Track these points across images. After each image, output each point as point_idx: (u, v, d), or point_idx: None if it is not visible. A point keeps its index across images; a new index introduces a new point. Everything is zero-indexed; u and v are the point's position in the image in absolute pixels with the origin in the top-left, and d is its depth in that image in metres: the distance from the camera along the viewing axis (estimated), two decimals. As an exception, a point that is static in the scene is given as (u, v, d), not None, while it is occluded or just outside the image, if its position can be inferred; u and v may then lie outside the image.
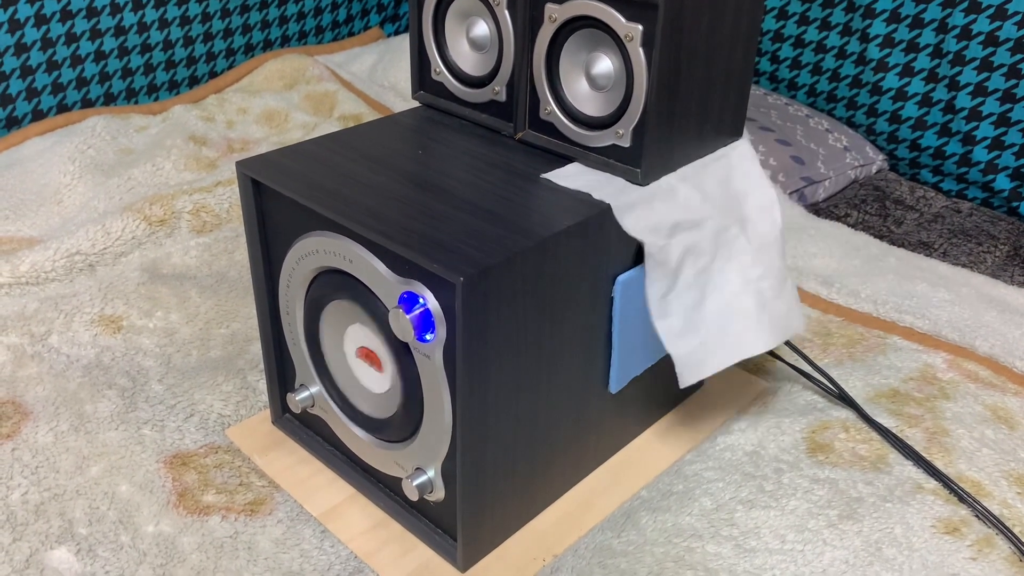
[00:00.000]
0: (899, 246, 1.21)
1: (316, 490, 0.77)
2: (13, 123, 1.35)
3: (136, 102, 1.49)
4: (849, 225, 1.27)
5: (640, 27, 0.64)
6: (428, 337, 0.62)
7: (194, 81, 1.56)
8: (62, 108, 1.40)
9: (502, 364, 0.64)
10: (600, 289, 0.70)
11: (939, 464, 0.80)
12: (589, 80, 0.71)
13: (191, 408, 0.85)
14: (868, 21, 1.41)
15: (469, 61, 0.78)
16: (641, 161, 0.69)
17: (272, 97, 1.46)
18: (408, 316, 0.61)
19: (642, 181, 0.69)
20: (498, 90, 0.76)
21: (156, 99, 1.52)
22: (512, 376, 0.65)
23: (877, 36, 1.40)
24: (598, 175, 0.71)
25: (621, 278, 0.71)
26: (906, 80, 1.40)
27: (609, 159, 0.71)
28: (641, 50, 0.65)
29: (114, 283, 1.01)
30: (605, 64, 0.69)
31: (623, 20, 0.65)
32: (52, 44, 1.35)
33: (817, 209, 1.32)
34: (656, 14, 0.63)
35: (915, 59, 1.38)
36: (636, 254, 0.72)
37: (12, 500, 0.73)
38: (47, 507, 0.73)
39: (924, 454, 0.81)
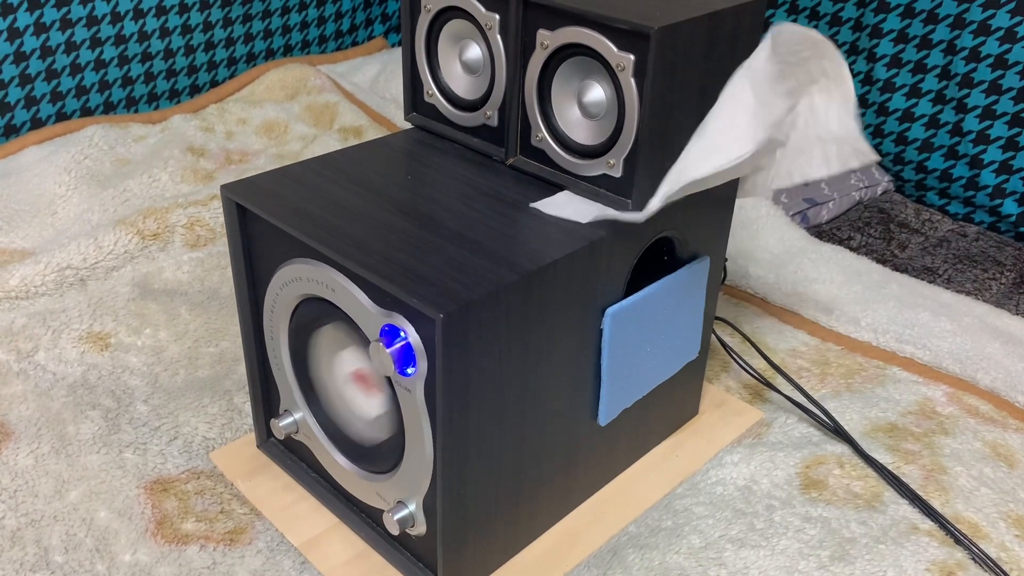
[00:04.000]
0: (902, 271, 1.19)
1: (298, 518, 0.75)
2: (11, 131, 1.35)
3: (136, 111, 1.48)
4: (852, 248, 1.25)
5: (632, 57, 0.63)
6: (409, 371, 0.61)
7: (195, 90, 1.55)
8: (61, 116, 1.39)
9: (485, 399, 0.62)
10: (589, 321, 0.69)
11: (936, 503, 0.78)
12: (581, 108, 0.69)
13: (175, 431, 0.84)
14: (875, 41, 1.39)
15: (462, 84, 0.77)
16: (632, 192, 0.67)
17: (272, 107, 1.45)
18: (388, 350, 0.60)
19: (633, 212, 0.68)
20: (490, 114, 0.75)
21: (156, 108, 1.51)
22: (495, 411, 0.64)
23: (884, 56, 1.39)
24: (589, 204, 0.69)
25: (611, 310, 0.69)
26: (913, 101, 1.38)
27: (600, 188, 0.69)
28: (633, 80, 0.63)
29: (104, 299, 1.00)
30: (597, 92, 0.67)
31: (615, 49, 0.63)
32: (51, 52, 1.34)
33: (820, 231, 1.30)
34: (648, 44, 0.61)
35: (923, 80, 1.36)
36: (627, 286, 0.71)
37: (-12, 525, 0.72)
38: (23, 533, 0.72)
39: (920, 493, 0.79)
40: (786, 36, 0.62)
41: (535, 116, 0.71)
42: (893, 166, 1.43)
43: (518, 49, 0.70)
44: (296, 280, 0.68)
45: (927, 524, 0.76)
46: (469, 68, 0.76)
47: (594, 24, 0.64)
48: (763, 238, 1.18)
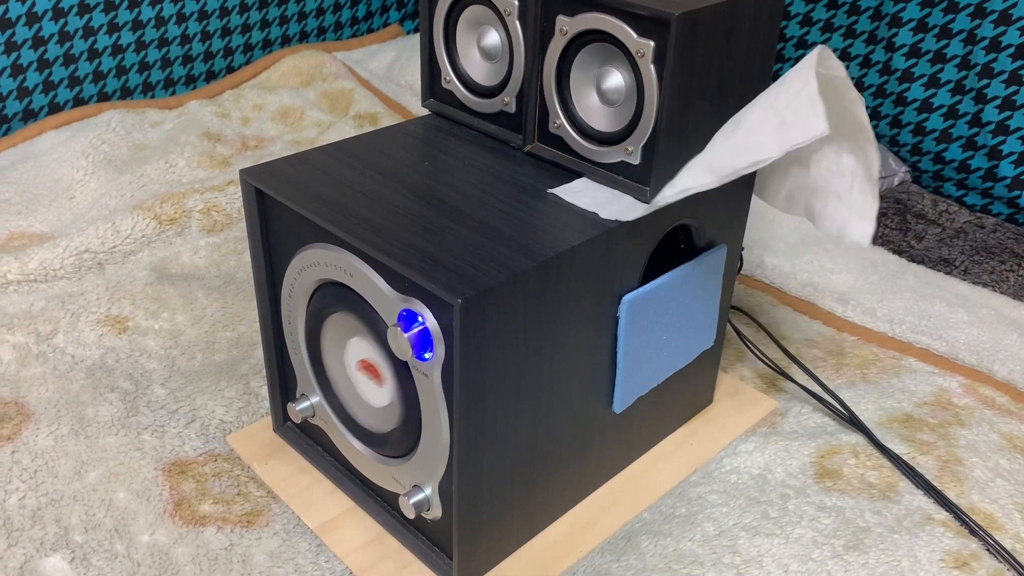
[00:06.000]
0: (919, 263, 1.18)
1: (314, 502, 0.76)
2: (29, 116, 1.36)
3: (153, 96, 1.49)
4: (868, 239, 1.24)
5: (652, 43, 0.63)
6: (427, 356, 0.61)
7: (211, 76, 1.55)
8: (78, 102, 1.40)
9: (501, 384, 0.63)
10: (605, 309, 0.69)
11: (951, 494, 0.78)
12: (600, 95, 0.69)
13: (192, 414, 0.84)
14: (894, 30, 1.38)
15: (480, 70, 0.77)
16: (650, 179, 0.67)
17: (288, 94, 1.45)
18: (406, 335, 0.60)
19: (650, 200, 0.68)
20: (508, 101, 0.75)
21: (173, 94, 1.51)
22: (512, 396, 0.64)
23: (903, 46, 1.37)
24: (606, 191, 0.69)
25: (627, 297, 0.69)
26: (932, 91, 1.36)
27: (618, 176, 0.69)
28: (652, 67, 0.63)
29: (122, 282, 1.01)
30: (616, 79, 0.67)
31: (635, 36, 0.63)
32: (70, 38, 1.35)
33: (836, 221, 1.30)
34: (668, 31, 0.61)
35: (942, 70, 1.35)
36: (643, 273, 0.71)
37: (9, 505, 0.73)
38: (44, 513, 0.73)
39: (935, 483, 0.79)
40: (829, 63, 0.62)
41: (553, 103, 0.71)
42: (910, 156, 1.42)
43: (537, 35, 0.70)
44: (314, 265, 0.69)
45: (942, 514, 0.76)
46: (487, 54, 0.76)
47: (614, 10, 0.64)
48: (779, 227, 1.17)
